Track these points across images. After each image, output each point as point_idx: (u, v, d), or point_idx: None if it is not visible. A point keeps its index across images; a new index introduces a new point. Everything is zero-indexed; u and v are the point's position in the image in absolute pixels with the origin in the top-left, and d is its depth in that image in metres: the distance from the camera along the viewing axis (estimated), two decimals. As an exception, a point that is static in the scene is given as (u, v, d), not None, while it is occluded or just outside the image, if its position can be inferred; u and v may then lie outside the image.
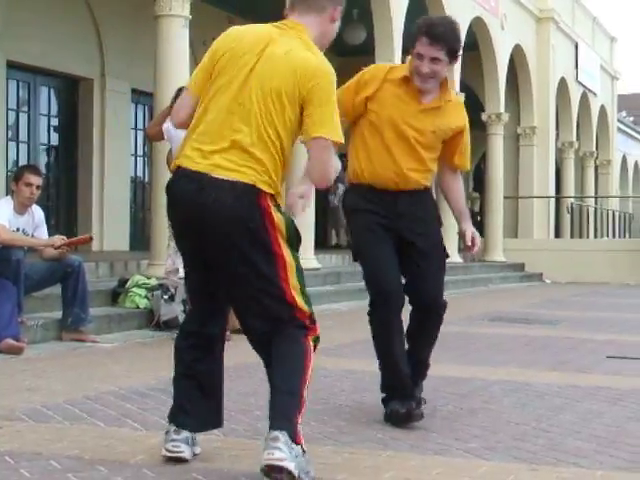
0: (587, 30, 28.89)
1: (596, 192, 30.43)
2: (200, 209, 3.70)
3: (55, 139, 15.32)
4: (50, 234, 8.31)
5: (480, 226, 23.85)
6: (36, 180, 7.90)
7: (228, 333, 8.08)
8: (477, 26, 19.92)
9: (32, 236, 8.00)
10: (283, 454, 3.51)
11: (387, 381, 5.04)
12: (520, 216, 23.80)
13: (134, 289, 9.14)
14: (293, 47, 3.82)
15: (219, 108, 3.77)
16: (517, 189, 23.81)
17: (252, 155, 3.71)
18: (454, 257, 19.01)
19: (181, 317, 8.73)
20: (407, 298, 5.07)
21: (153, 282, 9.26)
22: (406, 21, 16.15)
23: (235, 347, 5.59)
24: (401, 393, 4.95)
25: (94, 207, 15.35)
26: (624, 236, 31.04)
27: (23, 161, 14.19)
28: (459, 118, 5.08)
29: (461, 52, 5.00)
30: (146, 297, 9.06)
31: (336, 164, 3.94)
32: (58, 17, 14.41)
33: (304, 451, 3.64)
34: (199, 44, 16.23)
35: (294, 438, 3.59)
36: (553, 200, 25.06)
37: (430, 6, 17.73)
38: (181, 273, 8.34)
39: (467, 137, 5.12)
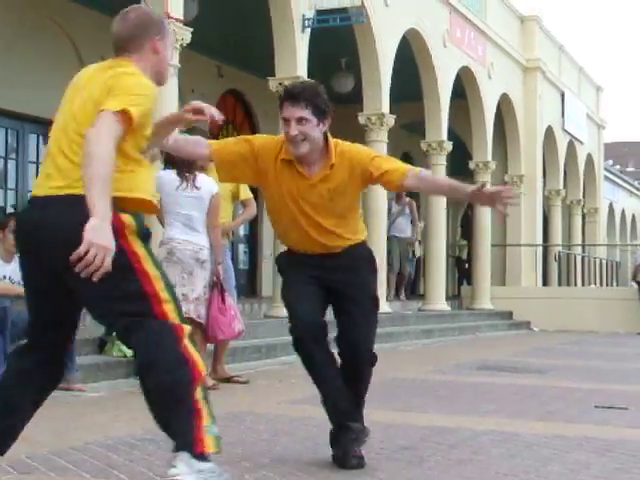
0: (573, 79, 29.13)
1: (583, 240, 30.52)
2: None
3: (43, 186, 15.30)
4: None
5: (467, 274, 23.93)
6: (23, 228, 7.88)
7: (215, 382, 8.08)
8: (464, 75, 20.09)
9: (19, 284, 7.97)
10: (177, 470, 3.57)
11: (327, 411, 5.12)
12: (508, 264, 23.83)
13: (121, 337, 9.08)
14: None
15: None
16: (505, 237, 23.87)
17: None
18: (442, 305, 19.04)
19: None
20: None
21: (140, 330, 9.21)
22: (394, 70, 16.27)
23: (223, 396, 5.55)
24: (337, 422, 5.05)
25: (82, 254, 15.30)
26: (612, 284, 31.09)
27: (11, 208, 14.17)
28: (353, 165, 4.96)
29: (330, 111, 4.93)
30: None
31: None
32: (47, 64, 14.47)
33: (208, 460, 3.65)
34: (187, 92, 16.35)
35: (193, 452, 3.60)
36: (541, 248, 25.12)
37: (417, 55, 17.89)
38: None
39: (379, 159, 5.02)
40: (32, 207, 3.86)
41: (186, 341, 3.68)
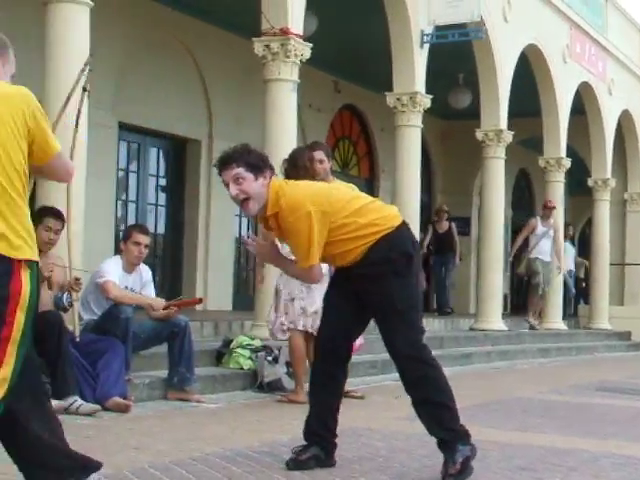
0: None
1: None
2: None
3: (162, 199, 15.60)
4: (156, 293, 8.44)
5: (585, 293, 23.48)
6: (144, 239, 8.04)
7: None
8: (584, 91, 19.78)
9: (140, 294, 8.11)
10: None
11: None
12: (627, 283, 23.36)
13: (238, 350, 9.18)
14: None
15: None
16: (624, 255, 23.40)
17: None
18: (559, 324, 18.74)
19: (284, 379, 8.76)
20: None
21: (257, 343, 9.31)
22: (512, 85, 16.13)
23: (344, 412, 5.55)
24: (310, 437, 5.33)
25: (199, 266, 15.53)
26: None
27: (131, 220, 14.46)
28: (278, 209, 5.05)
29: (267, 164, 5.07)
30: (250, 358, 9.09)
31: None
32: (169, 80, 14.74)
33: None
34: (305, 107, 16.48)
35: None
36: (661, 267, 24.54)
37: (537, 71, 17.71)
38: (286, 334, 8.39)
39: (291, 241, 5.13)
40: None
41: None
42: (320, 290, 8.04)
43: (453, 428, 5.13)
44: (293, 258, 5.37)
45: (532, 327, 17.57)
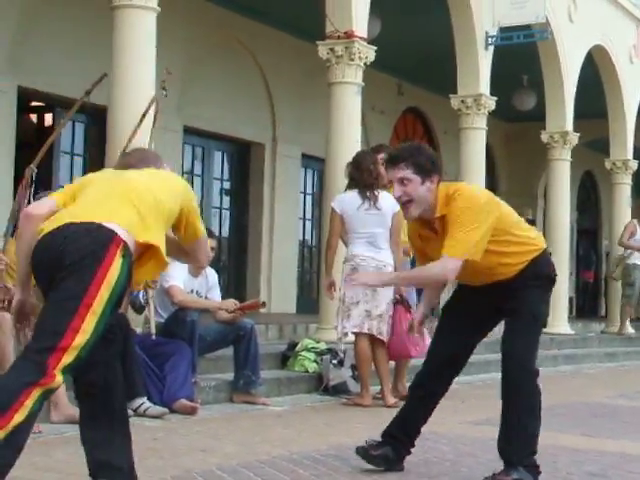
0: None
1: None
2: None
3: (227, 202, 15.68)
4: (221, 296, 8.47)
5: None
6: (211, 242, 8.06)
7: (396, 400, 8.05)
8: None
9: (205, 298, 8.15)
10: None
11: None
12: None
13: (303, 353, 9.20)
14: None
15: None
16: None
17: None
18: (626, 328, 18.46)
19: (349, 382, 8.75)
20: None
21: (322, 346, 9.31)
22: (578, 86, 15.97)
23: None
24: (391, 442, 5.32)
25: (262, 269, 15.59)
26: None
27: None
28: (447, 210, 4.91)
29: (436, 167, 4.94)
30: (315, 361, 9.10)
31: None
32: (232, 83, 14.81)
33: None
34: (368, 109, 16.45)
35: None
36: None
37: (603, 71, 17.51)
38: (351, 337, 8.38)
39: (453, 228, 4.86)
40: None
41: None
42: (384, 294, 8.05)
43: (522, 452, 5.05)
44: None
45: (629, 337, 17.13)
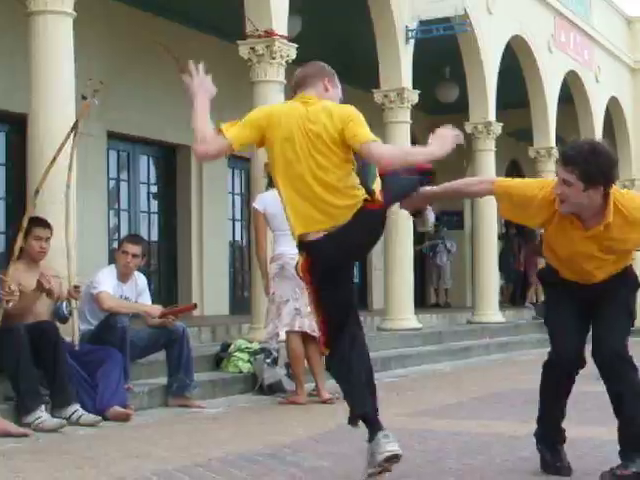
0: (683, 79, 28.46)
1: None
2: None
3: (155, 206, 15.57)
4: (152, 300, 8.42)
5: None
6: (132, 248, 8.03)
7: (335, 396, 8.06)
8: (571, 80, 19.79)
9: (136, 303, 8.10)
10: None
11: (540, 430, 5.36)
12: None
13: (237, 353, 9.17)
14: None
15: None
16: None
17: None
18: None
19: (284, 381, 8.74)
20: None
21: (255, 346, 9.29)
22: (499, 77, 16.13)
23: (338, 409, 5.54)
24: (548, 444, 5.28)
25: (194, 272, 15.49)
26: None
27: (124, 229, 14.44)
28: (629, 221, 4.97)
29: (604, 179, 4.87)
30: (249, 361, 9.08)
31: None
32: (155, 87, 14.68)
33: None
34: (293, 108, 16.40)
35: None
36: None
37: (523, 61, 17.70)
38: (282, 337, 8.37)
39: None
40: None
41: None
42: None
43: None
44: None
45: None
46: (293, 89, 5.17)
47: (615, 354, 5.06)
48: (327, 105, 4.87)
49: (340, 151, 4.71)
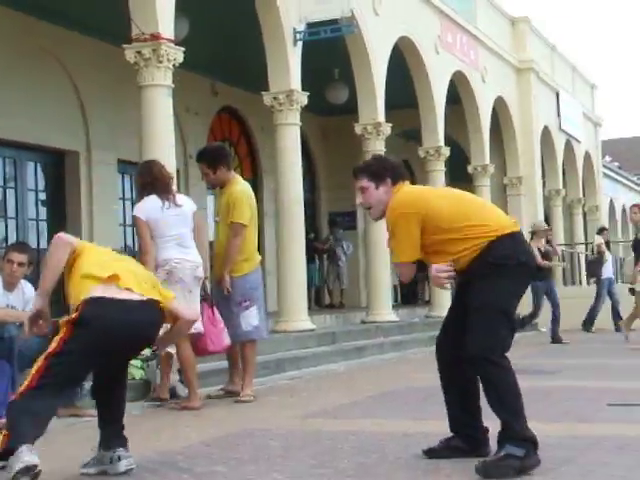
0: (567, 79, 29.14)
1: (586, 238, 30.45)
2: None
3: (43, 213, 15.30)
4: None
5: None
6: (18, 257, 7.91)
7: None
8: (458, 80, 20.09)
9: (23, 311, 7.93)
10: None
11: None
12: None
13: (129, 360, 9.05)
14: None
15: None
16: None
17: None
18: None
19: (178, 387, 8.67)
20: None
21: (148, 352, 9.16)
22: (388, 78, 16.27)
23: (234, 413, 5.52)
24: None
25: (85, 279, 15.25)
26: (616, 282, 30.98)
27: (12, 237, 14.16)
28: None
29: (389, 170, 5.41)
30: (142, 368, 8.98)
31: None
32: (40, 92, 14.47)
33: None
34: (182, 111, 16.36)
35: None
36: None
37: (410, 62, 17.89)
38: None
39: (396, 232, 5.25)
40: None
41: None
42: (197, 293, 8.14)
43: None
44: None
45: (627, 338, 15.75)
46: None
47: (474, 361, 5.22)
48: None
49: None
